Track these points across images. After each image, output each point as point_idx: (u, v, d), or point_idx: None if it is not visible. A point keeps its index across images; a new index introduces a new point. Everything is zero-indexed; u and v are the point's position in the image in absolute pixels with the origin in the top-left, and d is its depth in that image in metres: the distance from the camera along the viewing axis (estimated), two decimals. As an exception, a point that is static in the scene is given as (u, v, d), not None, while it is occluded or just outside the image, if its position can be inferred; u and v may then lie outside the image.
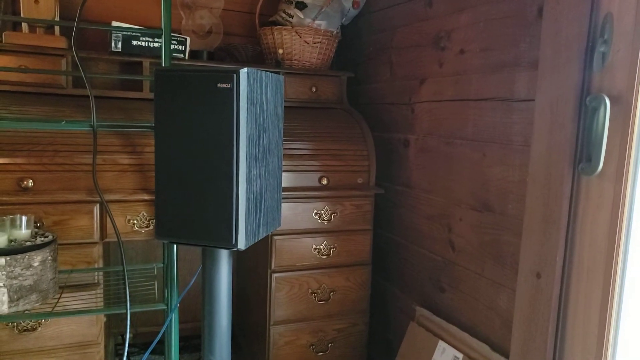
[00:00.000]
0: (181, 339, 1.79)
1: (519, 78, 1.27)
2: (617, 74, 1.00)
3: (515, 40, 1.28)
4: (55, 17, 1.57)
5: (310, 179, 1.69)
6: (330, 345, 1.79)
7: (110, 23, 1.74)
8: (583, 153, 1.07)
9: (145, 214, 1.45)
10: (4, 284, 1.06)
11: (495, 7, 1.35)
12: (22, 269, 1.08)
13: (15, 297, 1.08)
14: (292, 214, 1.66)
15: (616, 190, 1.00)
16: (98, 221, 1.41)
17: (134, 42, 1.65)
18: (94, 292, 1.42)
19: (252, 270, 1.92)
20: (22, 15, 1.55)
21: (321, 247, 1.72)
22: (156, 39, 1.67)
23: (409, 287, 1.76)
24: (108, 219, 1.40)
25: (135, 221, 1.45)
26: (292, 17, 1.89)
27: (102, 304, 1.44)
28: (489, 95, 1.38)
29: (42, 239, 1.17)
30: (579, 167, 1.07)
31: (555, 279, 1.12)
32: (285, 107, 1.60)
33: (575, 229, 1.10)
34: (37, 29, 1.58)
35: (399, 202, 1.82)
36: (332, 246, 1.73)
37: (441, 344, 1.47)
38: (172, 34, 1.50)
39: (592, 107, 1.03)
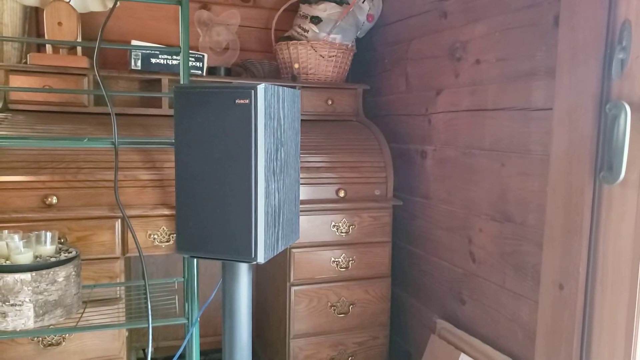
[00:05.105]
0: (202, 353, 1.80)
1: (536, 87, 1.26)
2: (637, 81, 0.99)
3: (531, 49, 1.28)
4: (77, 38, 1.62)
5: (328, 192, 1.70)
6: (350, 358, 1.77)
7: (130, 42, 1.78)
8: (604, 161, 1.05)
9: (165, 228, 1.47)
10: (29, 299, 1.08)
11: (511, 17, 1.34)
12: (47, 285, 1.10)
13: (41, 312, 1.10)
14: (310, 226, 1.66)
15: None
16: (120, 236, 1.43)
17: (153, 60, 1.68)
18: (116, 306, 1.44)
19: (272, 283, 1.92)
20: (46, 37, 1.59)
21: (340, 259, 1.71)
22: (174, 57, 1.70)
23: (429, 299, 1.75)
24: (129, 234, 1.42)
25: (155, 236, 1.46)
26: (308, 31, 1.91)
27: (124, 318, 1.46)
28: (506, 105, 1.37)
29: (66, 254, 1.19)
30: (600, 175, 1.06)
31: (578, 290, 1.10)
32: (302, 120, 1.61)
33: (598, 239, 1.08)
34: (61, 49, 1.63)
35: (417, 214, 1.81)
36: (350, 259, 1.73)
37: (463, 357, 1.44)
38: (190, 51, 1.53)
39: (612, 114, 1.02)
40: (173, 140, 0.92)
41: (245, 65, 2.03)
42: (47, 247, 1.19)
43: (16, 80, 1.54)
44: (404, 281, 1.90)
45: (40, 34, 1.80)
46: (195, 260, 1.38)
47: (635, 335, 1.01)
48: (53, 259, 1.15)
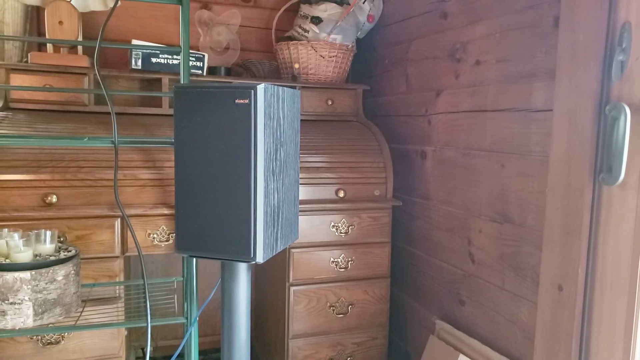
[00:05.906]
0: (200, 352, 1.80)
1: (536, 88, 1.26)
2: (637, 83, 0.99)
3: (531, 50, 1.28)
4: (78, 38, 1.62)
5: (327, 192, 1.70)
6: (349, 359, 1.77)
7: (131, 41, 1.79)
8: (603, 163, 1.05)
9: (165, 228, 1.47)
10: (29, 298, 1.08)
11: (511, 18, 1.35)
12: (46, 283, 1.10)
13: (40, 310, 1.10)
14: (309, 226, 1.66)
15: (639, 200, 0.98)
16: (119, 235, 1.43)
17: (153, 60, 1.68)
18: (115, 305, 1.44)
19: (271, 283, 1.93)
20: (47, 36, 1.60)
21: (339, 259, 1.71)
22: (175, 56, 1.70)
23: (428, 300, 1.75)
24: (129, 233, 1.43)
25: (155, 235, 1.47)
26: (308, 32, 1.91)
27: (123, 317, 1.46)
28: (506, 106, 1.37)
29: (66, 253, 1.20)
30: (600, 177, 1.06)
31: (577, 291, 1.10)
32: (301, 120, 1.61)
33: (597, 240, 1.08)
34: (61, 48, 1.63)
35: (417, 214, 1.81)
36: (349, 259, 1.73)
37: (462, 358, 1.44)
38: (190, 51, 1.53)
39: (611, 116, 1.02)
40: (173, 140, 0.92)
41: (246, 65, 2.03)
42: (47, 246, 1.19)
43: (17, 79, 1.54)
44: (403, 282, 1.90)
45: (41, 33, 1.81)
46: (194, 259, 1.38)
47: (634, 337, 1.01)
48: (52, 258, 1.15)
